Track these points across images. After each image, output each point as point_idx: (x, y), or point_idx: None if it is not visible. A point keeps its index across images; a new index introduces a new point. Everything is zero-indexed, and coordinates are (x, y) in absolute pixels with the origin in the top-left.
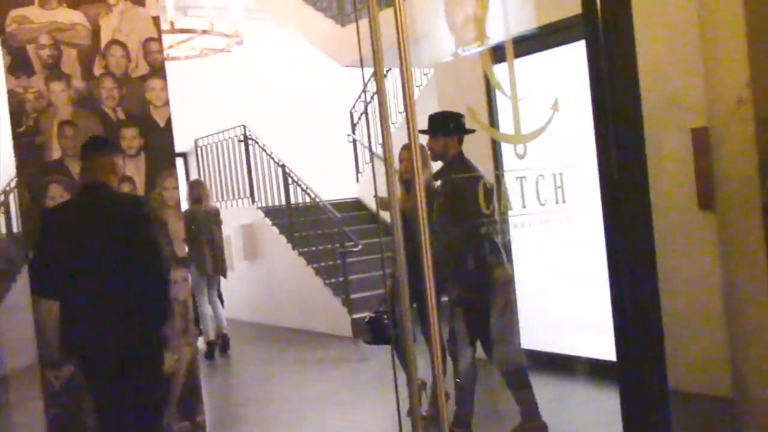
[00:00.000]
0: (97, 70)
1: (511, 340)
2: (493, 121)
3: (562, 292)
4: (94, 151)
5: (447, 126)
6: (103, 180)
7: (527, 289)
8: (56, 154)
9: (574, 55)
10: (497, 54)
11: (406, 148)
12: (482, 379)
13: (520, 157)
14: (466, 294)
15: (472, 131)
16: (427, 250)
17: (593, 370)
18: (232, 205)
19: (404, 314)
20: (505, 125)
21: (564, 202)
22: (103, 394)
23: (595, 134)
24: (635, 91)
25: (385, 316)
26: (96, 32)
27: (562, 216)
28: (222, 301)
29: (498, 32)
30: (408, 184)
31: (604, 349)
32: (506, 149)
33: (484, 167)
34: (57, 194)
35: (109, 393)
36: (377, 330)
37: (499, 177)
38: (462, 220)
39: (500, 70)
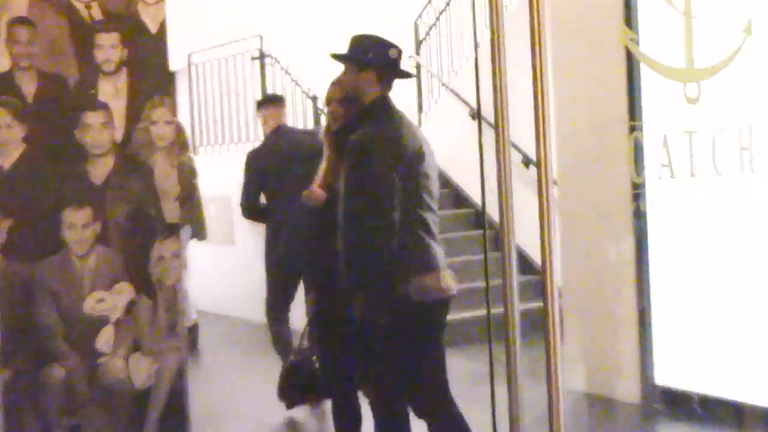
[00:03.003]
0: None
1: (437, 382)
2: (629, 55)
3: (727, 311)
4: (273, 103)
5: (361, 54)
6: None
7: (670, 300)
8: (5, 65)
9: None
10: None
11: (335, 83)
12: None
13: (692, 101)
14: (376, 312)
15: (409, 75)
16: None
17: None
18: (231, 150)
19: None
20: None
21: (752, 171)
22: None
23: None
24: None
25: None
26: None
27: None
28: None
29: None
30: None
31: None
32: (663, 91)
33: (614, 115)
34: (3, 123)
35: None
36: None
37: (634, 128)
38: (373, 199)
39: None
